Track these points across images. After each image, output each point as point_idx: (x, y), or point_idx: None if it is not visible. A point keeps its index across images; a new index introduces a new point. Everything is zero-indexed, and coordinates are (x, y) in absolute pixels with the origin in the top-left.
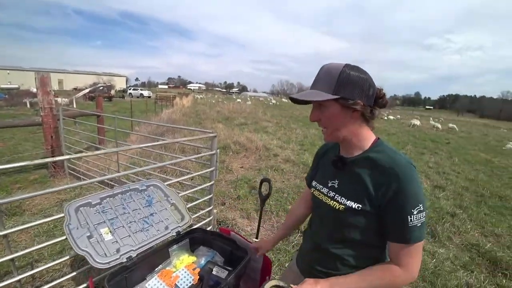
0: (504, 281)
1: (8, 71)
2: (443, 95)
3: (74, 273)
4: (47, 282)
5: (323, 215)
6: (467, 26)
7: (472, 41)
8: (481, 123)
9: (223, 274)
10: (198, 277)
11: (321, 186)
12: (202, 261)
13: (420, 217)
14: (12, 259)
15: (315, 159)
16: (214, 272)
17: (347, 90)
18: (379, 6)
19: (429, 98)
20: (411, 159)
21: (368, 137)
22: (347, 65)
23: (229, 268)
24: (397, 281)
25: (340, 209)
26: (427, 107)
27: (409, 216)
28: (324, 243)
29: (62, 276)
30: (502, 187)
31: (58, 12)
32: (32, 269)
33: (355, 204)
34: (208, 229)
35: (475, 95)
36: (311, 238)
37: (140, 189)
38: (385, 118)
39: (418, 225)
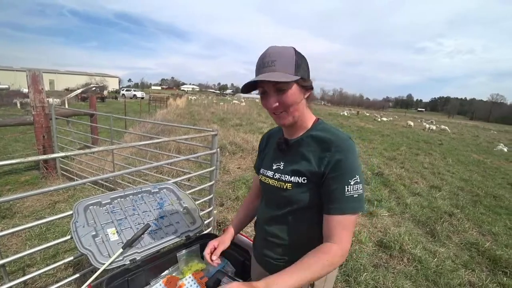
0: (505, 279)
1: None
2: (435, 98)
3: (70, 279)
4: None
5: (271, 198)
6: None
7: (463, 45)
8: (472, 125)
9: None
10: (205, 287)
11: (266, 171)
12: (212, 270)
13: (356, 188)
14: (2, 265)
15: (259, 148)
16: (222, 284)
17: (303, 70)
18: (374, 9)
19: (421, 100)
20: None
21: (310, 117)
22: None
23: (240, 280)
24: (336, 260)
25: (288, 187)
26: (419, 109)
27: (346, 186)
28: (271, 225)
29: (56, 282)
30: (496, 187)
31: (53, 13)
32: (24, 274)
33: (301, 178)
34: (208, 231)
35: (465, 98)
36: (259, 224)
37: (152, 191)
38: (378, 120)
39: (355, 195)
